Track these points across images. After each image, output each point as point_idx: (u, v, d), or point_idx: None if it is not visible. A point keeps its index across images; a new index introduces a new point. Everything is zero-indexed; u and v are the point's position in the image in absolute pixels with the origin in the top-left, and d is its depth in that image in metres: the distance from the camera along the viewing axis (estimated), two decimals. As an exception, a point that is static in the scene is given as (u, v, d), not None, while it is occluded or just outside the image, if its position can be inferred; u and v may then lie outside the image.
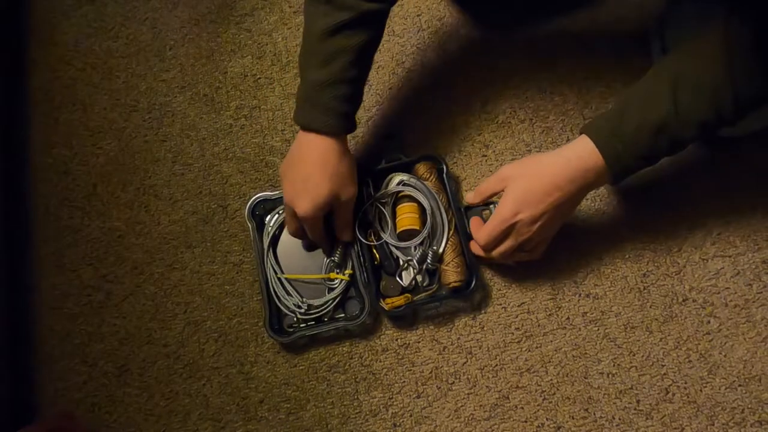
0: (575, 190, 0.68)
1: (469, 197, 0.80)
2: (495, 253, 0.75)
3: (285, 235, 0.86)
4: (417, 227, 0.81)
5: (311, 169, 0.72)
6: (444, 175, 0.83)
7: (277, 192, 0.85)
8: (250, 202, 0.85)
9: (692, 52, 0.63)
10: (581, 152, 0.66)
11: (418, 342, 0.83)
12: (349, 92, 0.71)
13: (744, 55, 0.60)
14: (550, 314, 0.83)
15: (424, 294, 0.80)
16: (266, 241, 0.84)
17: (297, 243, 0.86)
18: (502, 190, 0.72)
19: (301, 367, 0.83)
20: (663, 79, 0.63)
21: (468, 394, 0.81)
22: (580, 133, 0.69)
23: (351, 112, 0.73)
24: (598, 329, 0.82)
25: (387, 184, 0.84)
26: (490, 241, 0.73)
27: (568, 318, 0.82)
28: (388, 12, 0.72)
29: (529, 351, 0.82)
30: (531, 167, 0.70)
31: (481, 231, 0.74)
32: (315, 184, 0.72)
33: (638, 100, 0.64)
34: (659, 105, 0.62)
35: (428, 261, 0.79)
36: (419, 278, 0.80)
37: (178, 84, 0.98)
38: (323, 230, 0.79)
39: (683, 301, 0.82)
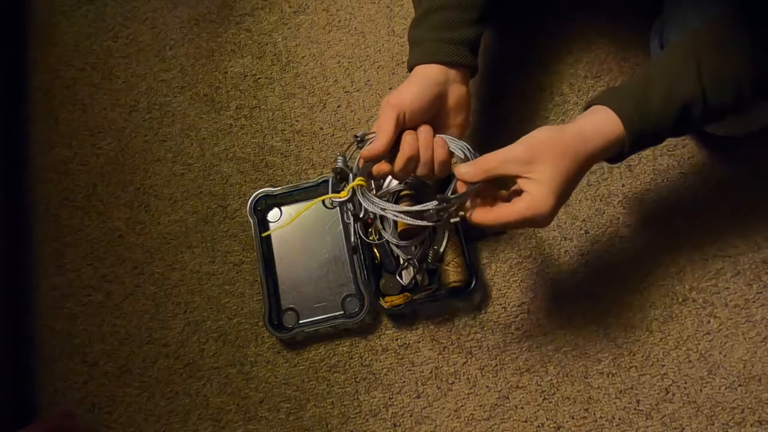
0: (592, 165, 0.63)
1: (467, 173, 0.61)
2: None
3: (284, 231, 0.86)
4: (417, 227, 0.81)
5: None
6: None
7: (279, 188, 0.86)
8: (252, 198, 0.85)
9: (712, 33, 0.62)
10: (606, 130, 0.60)
11: (418, 342, 0.83)
12: (442, 19, 0.67)
13: (764, 35, 0.59)
14: (550, 314, 0.83)
15: (423, 293, 0.80)
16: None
17: (296, 242, 0.86)
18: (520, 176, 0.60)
19: (301, 367, 0.84)
20: (687, 58, 0.60)
21: (468, 394, 0.81)
22: (598, 103, 0.62)
23: (437, 39, 0.67)
24: (599, 329, 0.82)
25: (388, 183, 0.84)
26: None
27: (568, 318, 0.82)
28: None
29: (529, 351, 0.81)
30: (559, 151, 0.59)
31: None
32: None
33: (662, 73, 0.61)
34: (685, 83, 0.59)
35: (428, 260, 0.79)
36: (419, 277, 0.80)
37: (178, 84, 0.98)
38: (388, 124, 0.63)
39: (683, 301, 0.82)
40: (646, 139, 0.61)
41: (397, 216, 0.64)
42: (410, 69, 0.68)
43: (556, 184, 0.58)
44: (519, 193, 0.60)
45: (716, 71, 0.60)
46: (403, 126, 0.64)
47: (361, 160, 0.65)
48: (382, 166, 0.65)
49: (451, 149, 0.66)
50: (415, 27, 0.70)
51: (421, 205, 0.62)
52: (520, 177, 0.59)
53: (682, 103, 0.60)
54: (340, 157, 0.66)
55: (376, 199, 0.64)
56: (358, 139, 0.66)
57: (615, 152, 0.61)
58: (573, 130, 0.60)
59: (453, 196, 0.62)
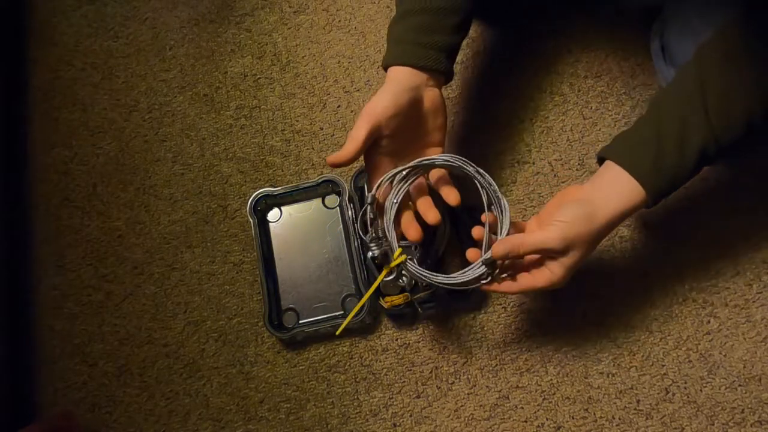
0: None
1: (500, 253, 0.63)
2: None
3: (284, 231, 0.86)
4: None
5: None
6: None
7: (279, 188, 0.86)
8: (252, 198, 0.85)
9: (716, 64, 0.62)
10: (631, 202, 0.63)
11: (418, 342, 0.83)
12: (420, 22, 0.67)
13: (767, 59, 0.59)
14: (550, 314, 0.83)
15: (423, 293, 0.80)
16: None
17: (296, 242, 0.86)
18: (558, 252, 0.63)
19: (301, 367, 0.84)
20: (693, 100, 0.61)
21: (468, 394, 0.81)
22: (605, 158, 0.65)
23: (413, 41, 0.66)
24: (598, 329, 0.82)
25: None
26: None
27: (568, 318, 0.82)
28: None
29: (529, 351, 0.81)
30: (591, 241, 0.63)
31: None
32: None
33: (673, 129, 0.62)
34: (696, 133, 0.61)
35: (429, 261, 0.79)
36: (419, 278, 0.80)
37: (178, 84, 0.98)
38: (359, 133, 0.64)
39: (683, 301, 0.82)
40: (666, 194, 0.64)
41: (448, 285, 0.67)
42: (385, 68, 0.68)
43: (577, 266, 0.63)
44: (539, 263, 0.65)
45: (725, 109, 0.60)
46: (379, 133, 0.65)
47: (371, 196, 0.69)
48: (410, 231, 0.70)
49: (480, 187, 0.68)
50: (394, 25, 0.69)
51: (471, 269, 0.66)
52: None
53: (696, 155, 0.61)
54: (373, 246, 0.69)
55: (424, 271, 0.68)
56: (369, 202, 0.69)
57: (635, 212, 0.65)
58: (603, 216, 0.63)
59: (492, 257, 0.64)
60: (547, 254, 0.63)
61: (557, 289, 0.65)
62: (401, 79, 0.66)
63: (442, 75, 0.69)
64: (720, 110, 0.60)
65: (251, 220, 0.84)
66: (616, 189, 0.63)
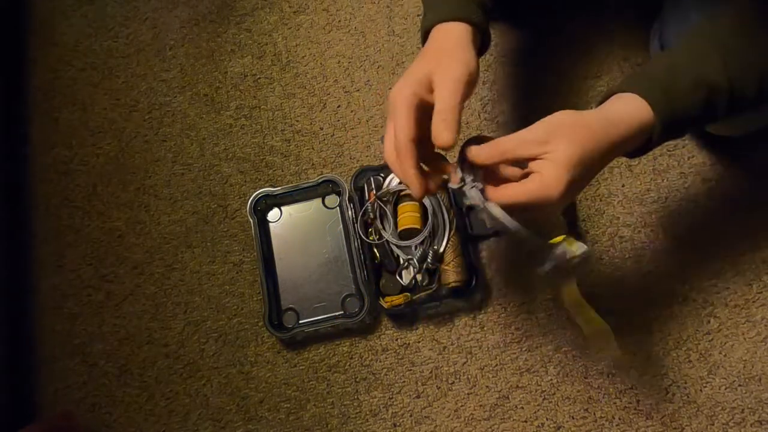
0: (615, 156, 0.58)
1: (481, 155, 0.55)
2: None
3: (284, 231, 0.86)
4: (418, 226, 0.81)
5: None
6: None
7: (279, 188, 0.86)
8: (252, 198, 0.85)
9: (733, 21, 0.59)
10: (635, 116, 0.55)
11: (418, 342, 0.83)
12: None
13: None
14: (550, 314, 0.83)
15: (423, 293, 0.80)
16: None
17: (296, 242, 0.86)
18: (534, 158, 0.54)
19: (301, 367, 0.84)
20: (712, 44, 0.57)
21: (468, 394, 0.81)
22: (624, 90, 0.57)
23: None
24: (598, 329, 0.82)
25: (389, 183, 0.84)
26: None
27: (568, 318, 0.82)
28: None
29: (529, 351, 0.81)
30: (580, 133, 0.54)
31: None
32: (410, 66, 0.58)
33: (688, 59, 0.57)
34: (712, 69, 0.56)
35: (428, 260, 0.79)
36: (419, 277, 0.80)
37: (178, 84, 0.98)
38: (409, 123, 0.55)
39: (683, 301, 0.82)
40: (674, 126, 0.57)
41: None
42: (427, 31, 0.60)
43: (571, 166, 0.52)
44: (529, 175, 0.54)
45: (742, 60, 0.57)
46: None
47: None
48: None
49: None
50: None
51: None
52: (535, 159, 0.53)
53: (709, 89, 0.56)
54: (469, 181, 0.57)
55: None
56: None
57: (641, 141, 0.56)
58: (598, 115, 0.55)
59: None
60: (532, 153, 0.54)
61: (550, 212, 0.56)
62: (457, 34, 0.58)
63: (481, 38, 0.61)
64: (738, 60, 0.56)
65: (251, 220, 0.84)
66: (616, 103, 0.56)
